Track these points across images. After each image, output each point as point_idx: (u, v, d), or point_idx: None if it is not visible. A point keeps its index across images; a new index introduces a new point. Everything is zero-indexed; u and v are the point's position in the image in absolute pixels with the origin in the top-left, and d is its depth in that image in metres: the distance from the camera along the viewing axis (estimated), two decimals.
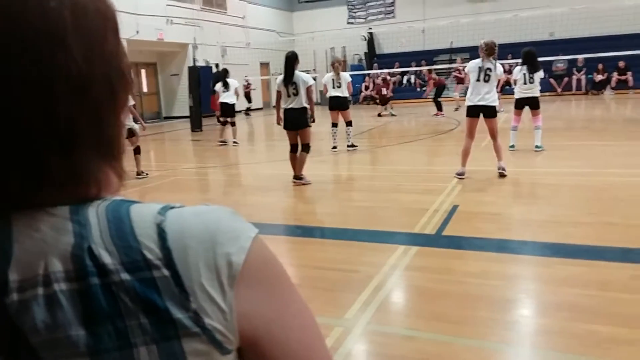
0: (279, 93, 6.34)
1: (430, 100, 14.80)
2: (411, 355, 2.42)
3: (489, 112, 5.95)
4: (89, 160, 0.49)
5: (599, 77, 18.57)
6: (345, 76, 8.78)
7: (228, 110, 10.75)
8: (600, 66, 18.30)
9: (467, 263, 3.50)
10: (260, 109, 22.67)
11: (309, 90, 6.17)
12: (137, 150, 7.34)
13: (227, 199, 6.20)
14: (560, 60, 17.76)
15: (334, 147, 8.89)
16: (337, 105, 8.79)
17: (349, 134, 8.91)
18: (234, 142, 10.69)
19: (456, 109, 14.74)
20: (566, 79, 18.73)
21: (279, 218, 5.19)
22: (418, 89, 20.12)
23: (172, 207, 0.50)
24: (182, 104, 17.98)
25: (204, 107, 15.13)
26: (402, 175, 6.69)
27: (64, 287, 0.44)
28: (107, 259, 0.45)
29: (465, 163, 6.11)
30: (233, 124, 10.82)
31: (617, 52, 12.75)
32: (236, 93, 10.71)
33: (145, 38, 16.08)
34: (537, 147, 7.56)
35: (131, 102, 7.16)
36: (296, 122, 6.23)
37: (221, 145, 10.69)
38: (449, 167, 6.60)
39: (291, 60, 6.18)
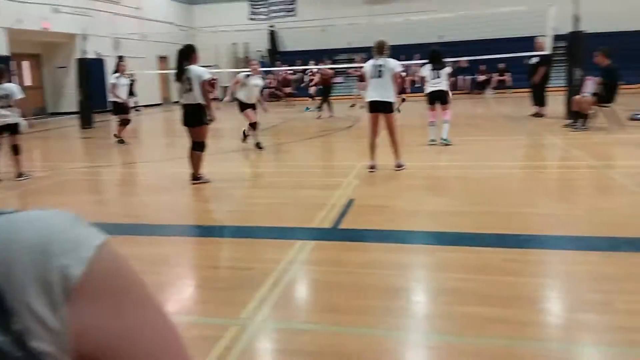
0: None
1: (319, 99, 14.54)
2: (305, 349, 2.47)
3: (384, 108, 6.21)
4: None
5: (481, 78, 20.35)
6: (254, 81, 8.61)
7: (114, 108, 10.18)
8: (482, 67, 20.03)
9: (359, 254, 3.64)
10: (159, 104, 21.76)
11: (203, 85, 5.89)
12: (16, 150, 6.72)
13: (120, 200, 5.90)
14: (447, 62, 19.07)
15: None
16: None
17: (247, 134, 8.77)
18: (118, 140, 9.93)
19: (352, 106, 15.19)
20: (452, 79, 20.22)
21: (177, 218, 5.03)
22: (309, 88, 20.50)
23: (1, 214, 0.44)
24: (71, 98, 16.75)
25: (95, 102, 14.23)
26: (302, 172, 6.79)
27: None
28: None
29: (373, 157, 6.33)
30: (121, 122, 10.02)
31: (497, 55, 13.87)
32: (111, 90, 10.02)
33: (29, 27, 14.75)
34: (443, 139, 7.92)
35: (19, 95, 6.58)
36: (191, 119, 5.99)
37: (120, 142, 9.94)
38: (347, 163, 6.81)
39: (181, 55, 5.94)
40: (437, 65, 8.04)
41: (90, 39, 15.91)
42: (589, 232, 3.90)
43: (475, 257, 3.49)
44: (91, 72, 13.90)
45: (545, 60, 11.39)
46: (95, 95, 14.32)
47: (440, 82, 8.03)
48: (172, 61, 12.50)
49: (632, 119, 10.14)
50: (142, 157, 9.09)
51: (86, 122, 13.45)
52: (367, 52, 20.96)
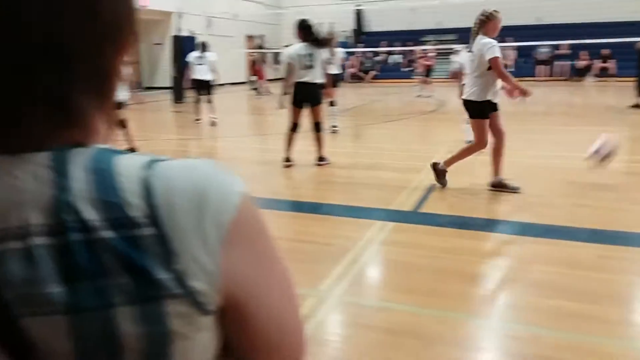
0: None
1: (417, 80, 14.83)
2: (381, 325, 2.49)
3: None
4: (81, 94, 0.45)
5: (581, 64, 18.71)
6: None
7: (203, 87, 9.97)
8: (583, 53, 18.40)
9: (440, 239, 3.57)
10: (243, 83, 22.42)
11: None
12: (122, 124, 7.08)
13: None
14: (544, 46, 17.90)
15: None
16: None
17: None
18: (213, 118, 9.81)
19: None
20: (548, 65, 18.96)
21: (258, 191, 5.20)
22: (403, 70, 20.09)
23: (160, 160, 0.47)
24: (165, 74, 17.68)
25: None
26: (384, 154, 6.73)
27: (41, 241, 0.41)
28: (88, 214, 0.42)
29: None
30: (209, 100, 9.91)
31: (601, 40, 12.86)
32: (214, 68, 9.93)
33: None
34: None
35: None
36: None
37: (198, 122, 10.09)
38: (431, 147, 6.66)
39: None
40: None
41: (185, 17, 16.64)
42: None
43: (565, 251, 3.31)
44: (185, 49, 14.54)
45: None
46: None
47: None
48: (268, 40, 12.79)
49: None
50: (228, 132, 9.43)
51: (178, 97, 14.18)
52: (456, 33, 20.28)
